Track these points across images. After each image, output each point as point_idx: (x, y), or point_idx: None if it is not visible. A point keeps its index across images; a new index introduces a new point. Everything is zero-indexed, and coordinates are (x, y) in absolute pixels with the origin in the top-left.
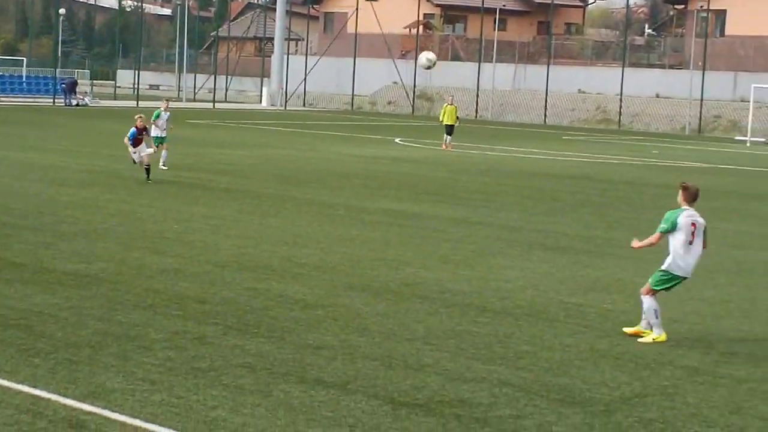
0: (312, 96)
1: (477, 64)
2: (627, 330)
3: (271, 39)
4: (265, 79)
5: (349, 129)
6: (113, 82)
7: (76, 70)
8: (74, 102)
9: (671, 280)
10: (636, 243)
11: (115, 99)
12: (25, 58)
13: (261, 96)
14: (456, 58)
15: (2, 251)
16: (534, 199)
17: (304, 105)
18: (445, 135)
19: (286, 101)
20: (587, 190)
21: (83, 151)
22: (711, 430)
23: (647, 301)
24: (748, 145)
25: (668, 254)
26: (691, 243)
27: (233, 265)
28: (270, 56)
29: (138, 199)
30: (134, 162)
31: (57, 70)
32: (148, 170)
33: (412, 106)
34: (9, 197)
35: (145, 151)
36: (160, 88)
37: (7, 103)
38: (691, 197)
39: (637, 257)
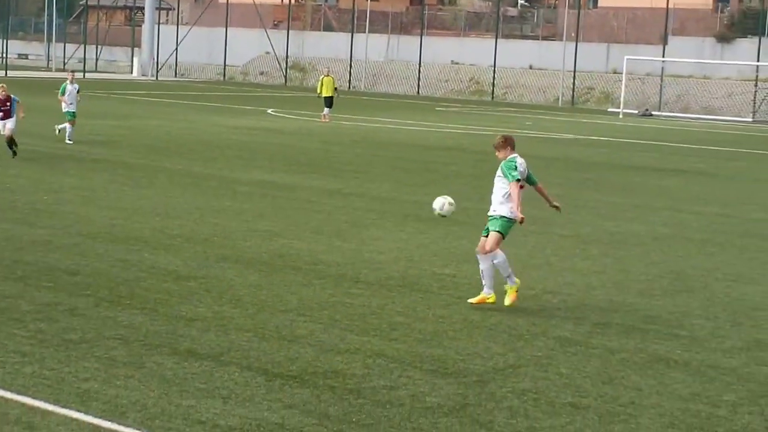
0: (183, 66)
1: (349, 34)
2: (471, 300)
3: (142, 8)
4: (136, 49)
5: (221, 100)
6: None
7: None
8: None
9: (512, 226)
10: (519, 215)
11: None
12: None
13: (132, 66)
14: (328, 28)
15: None
16: (407, 171)
17: (175, 75)
18: (324, 107)
19: (157, 71)
20: (461, 161)
21: None
22: (584, 400)
23: (500, 255)
24: (620, 116)
25: (502, 202)
26: (522, 188)
27: (105, 236)
28: (141, 26)
29: (7, 170)
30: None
31: None
32: (10, 145)
33: (285, 77)
34: None
35: (9, 125)
36: (29, 57)
37: None
38: (514, 144)
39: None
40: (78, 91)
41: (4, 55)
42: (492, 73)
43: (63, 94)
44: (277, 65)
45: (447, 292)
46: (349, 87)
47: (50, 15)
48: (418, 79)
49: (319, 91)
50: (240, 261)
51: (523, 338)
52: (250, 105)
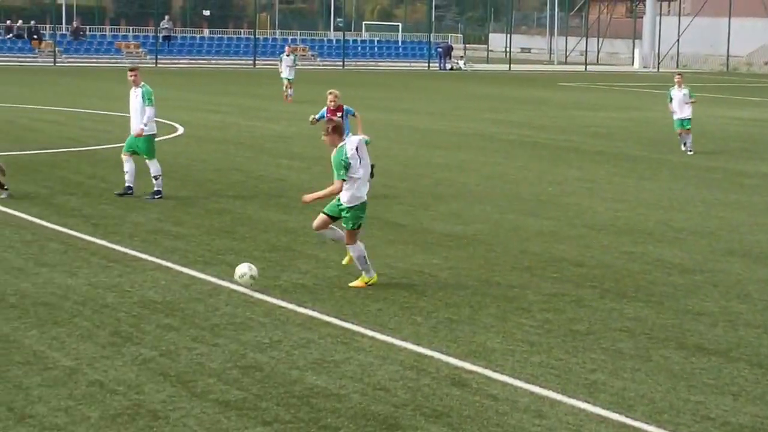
0: (685, 57)
1: None
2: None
3: (644, 0)
4: (637, 41)
5: (723, 91)
6: (485, 45)
7: (449, 35)
8: (448, 66)
9: (363, 211)
10: (308, 196)
11: (487, 63)
12: (400, 24)
13: (633, 58)
14: None
15: (384, 212)
16: None
17: (677, 67)
18: None
19: (658, 63)
20: None
21: (457, 114)
22: None
23: (356, 250)
24: None
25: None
26: (360, 164)
27: (609, 228)
28: (642, 17)
29: (512, 162)
30: None
31: (431, 34)
32: None
33: None
34: (387, 160)
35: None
36: (531, 51)
37: (384, 68)
38: (342, 131)
39: None
40: (690, 96)
41: (508, 49)
42: None
43: (670, 101)
44: None
45: None
46: None
47: (552, 8)
48: None
49: None
50: (747, 255)
51: None
52: (754, 96)
